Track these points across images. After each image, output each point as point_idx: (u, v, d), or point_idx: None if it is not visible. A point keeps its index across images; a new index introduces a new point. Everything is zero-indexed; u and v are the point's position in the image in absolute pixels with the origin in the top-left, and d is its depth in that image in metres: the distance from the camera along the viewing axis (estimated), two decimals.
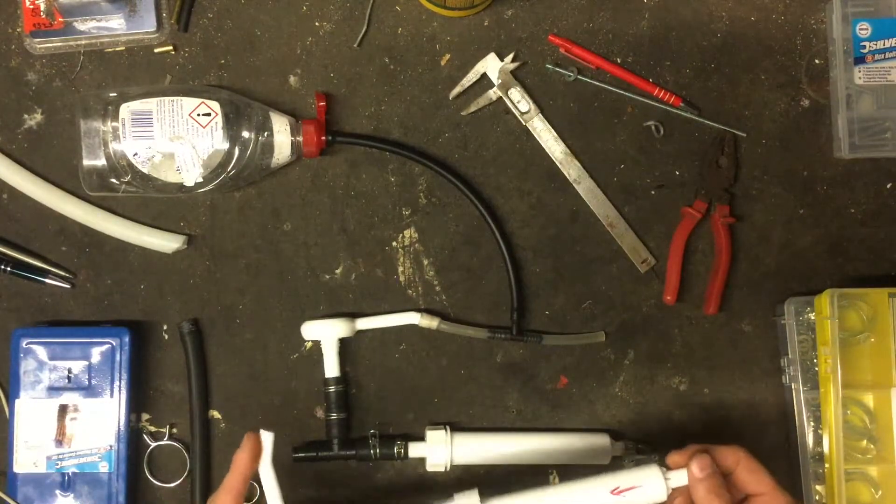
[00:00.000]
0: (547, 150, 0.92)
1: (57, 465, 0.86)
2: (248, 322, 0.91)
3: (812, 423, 0.88)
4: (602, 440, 0.89)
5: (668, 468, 0.73)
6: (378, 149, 0.91)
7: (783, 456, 0.91)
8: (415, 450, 0.88)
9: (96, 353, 0.87)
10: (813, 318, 0.88)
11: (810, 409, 0.88)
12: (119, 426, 0.86)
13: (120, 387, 0.87)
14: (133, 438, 0.89)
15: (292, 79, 0.92)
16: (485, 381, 0.92)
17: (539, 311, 0.92)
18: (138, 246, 0.90)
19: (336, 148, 0.91)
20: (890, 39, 0.91)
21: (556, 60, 0.92)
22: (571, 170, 0.92)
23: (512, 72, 0.91)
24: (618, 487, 0.71)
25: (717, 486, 0.70)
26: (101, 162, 0.85)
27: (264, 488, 0.74)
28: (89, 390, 0.86)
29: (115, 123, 0.85)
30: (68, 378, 0.86)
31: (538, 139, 0.92)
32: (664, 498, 0.71)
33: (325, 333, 0.89)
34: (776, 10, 0.93)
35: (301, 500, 0.91)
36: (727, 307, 0.92)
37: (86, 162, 0.85)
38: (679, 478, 0.72)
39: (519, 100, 0.91)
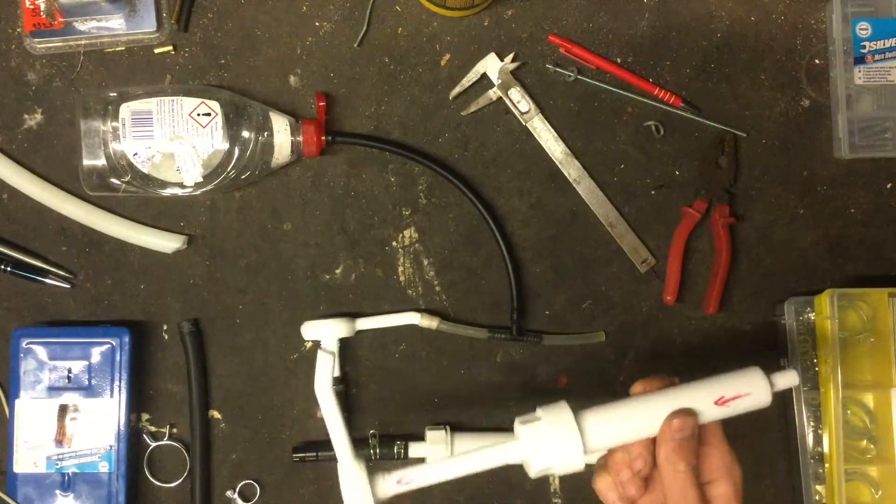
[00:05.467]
0: (547, 150, 0.92)
1: (57, 465, 0.86)
2: (248, 322, 0.91)
3: (812, 423, 0.88)
4: None
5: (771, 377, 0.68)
6: (378, 149, 0.91)
7: (783, 456, 0.91)
8: (415, 450, 0.88)
9: (96, 353, 0.87)
10: (813, 318, 0.88)
11: (810, 409, 0.88)
12: (119, 426, 0.86)
13: (120, 387, 0.87)
14: (133, 438, 0.89)
15: (292, 79, 0.92)
16: (485, 381, 0.92)
17: (539, 311, 0.92)
18: (138, 246, 0.90)
19: (336, 148, 0.91)
20: (890, 39, 0.91)
21: (556, 60, 0.92)
22: (571, 170, 0.92)
23: (512, 72, 0.91)
24: (722, 397, 0.67)
25: (689, 452, 0.64)
26: (101, 162, 0.85)
27: (323, 414, 0.69)
28: (89, 390, 0.86)
29: (115, 123, 0.85)
30: (68, 378, 0.86)
31: (538, 139, 0.92)
32: (768, 404, 0.68)
33: (325, 333, 0.89)
34: (776, 10, 0.93)
35: (301, 500, 0.91)
36: (727, 307, 0.92)
37: (86, 162, 0.85)
38: (784, 381, 0.68)
39: (519, 100, 0.91)
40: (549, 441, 0.65)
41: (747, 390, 0.67)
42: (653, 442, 0.65)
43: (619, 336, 0.92)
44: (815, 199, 0.93)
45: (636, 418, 0.66)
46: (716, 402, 0.67)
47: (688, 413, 0.65)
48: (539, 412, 0.66)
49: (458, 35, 0.92)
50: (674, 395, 0.67)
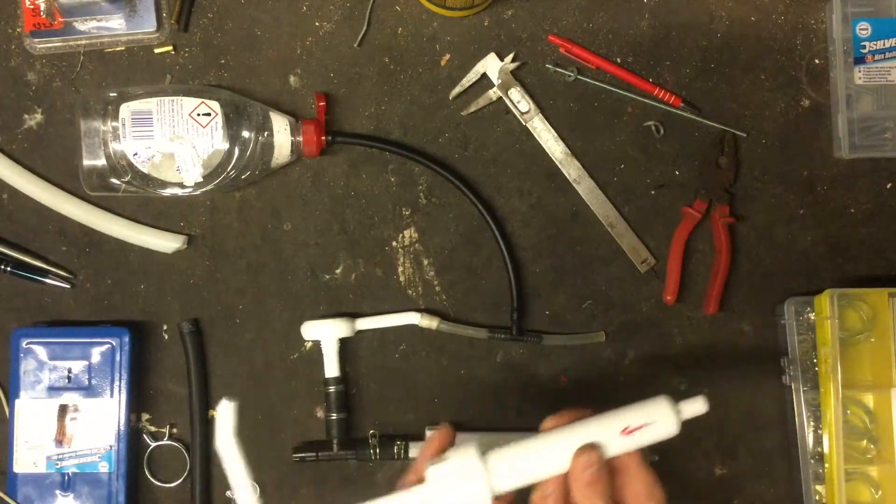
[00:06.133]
0: (547, 150, 0.92)
1: (57, 465, 0.86)
2: (248, 322, 0.91)
3: (812, 423, 0.88)
4: None
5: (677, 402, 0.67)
6: (378, 149, 0.91)
7: (783, 456, 0.91)
8: (415, 450, 0.88)
9: (96, 353, 0.87)
10: (813, 318, 0.88)
11: (810, 409, 0.88)
12: (119, 426, 0.86)
13: (120, 387, 0.87)
14: (133, 438, 0.89)
15: (292, 79, 0.92)
16: (485, 381, 0.92)
17: (539, 311, 0.92)
18: (138, 246, 0.90)
19: (336, 148, 0.91)
20: (890, 39, 0.91)
21: (556, 60, 0.92)
22: (571, 170, 0.92)
23: (512, 72, 0.91)
24: (627, 427, 0.66)
25: (602, 485, 0.63)
26: (101, 162, 0.85)
27: (224, 465, 0.69)
28: (89, 390, 0.86)
29: (115, 123, 0.85)
30: (68, 378, 0.86)
31: (538, 139, 0.92)
32: (675, 432, 0.66)
33: (325, 333, 0.89)
34: (776, 10, 0.93)
35: (301, 499, 0.91)
36: (727, 307, 0.92)
37: (86, 162, 0.85)
38: (691, 408, 0.67)
39: (519, 100, 0.91)
40: (454, 484, 0.65)
41: (652, 419, 0.66)
42: (566, 478, 0.65)
43: (619, 336, 0.92)
44: (815, 199, 0.93)
45: (543, 456, 0.66)
46: (622, 433, 0.66)
47: (592, 447, 0.64)
48: (448, 453, 0.66)
49: (458, 35, 0.92)
50: (579, 428, 0.66)
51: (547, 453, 0.66)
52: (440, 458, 0.66)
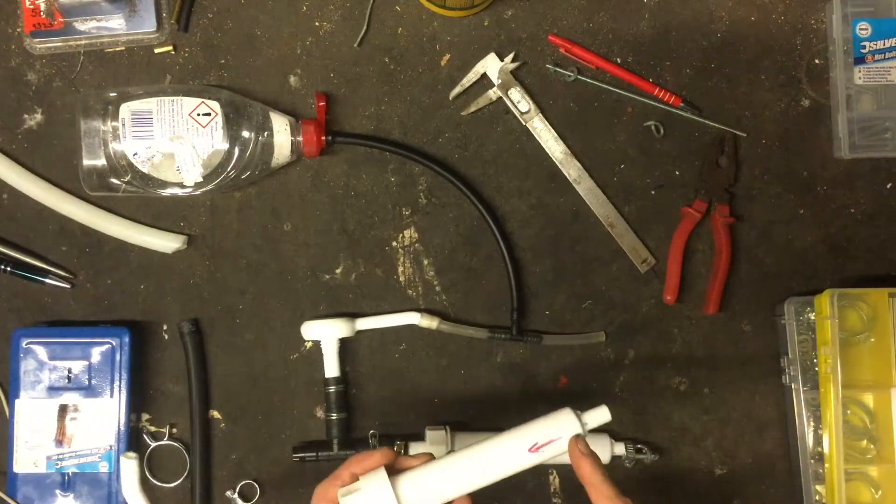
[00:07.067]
0: (547, 150, 0.92)
1: (57, 465, 0.86)
2: (248, 322, 0.91)
3: (812, 423, 0.88)
4: (602, 440, 0.89)
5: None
6: (378, 149, 0.91)
7: (783, 456, 0.91)
8: (415, 450, 0.88)
9: (96, 353, 0.87)
10: (813, 318, 0.88)
11: (810, 409, 0.88)
12: (119, 426, 0.86)
13: (120, 387, 0.87)
14: (133, 438, 0.89)
15: (292, 79, 0.92)
16: (485, 381, 0.92)
17: (539, 311, 0.92)
18: (138, 246, 0.90)
19: (336, 148, 0.91)
20: (890, 39, 0.91)
21: (556, 60, 0.92)
22: (571, 170, 0.92)
23: (512, 72, 0.91)
24: (535, 444, 0.68)
25: None
26: (101, 162, 0.85)
27: None
28: (89, 390, 0.86)
29: (115, 123, 0.85)
30: (68, 378, 0.86)
31: (538, 139, 0.92)
32: None
33: (325, 333, 0.89)
34: (776, 10, 0.93)
35: (301, 499, 0.91)
36: (727, 307, 0.92)
37: (86, 162, 0.85)
38: (595, 418, 0.69)
39: (519, 100, 0.91)
40: None
41: (559, 434, 0.68)
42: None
43: (619, 336, 0.92)
44: (815, 199, 0.93)
45: (454, 478, 0.67)
46: (530, 450, 0.68)
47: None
48: (360, 481, 0.67)
49: (458, 35, 0.92)
50: (488, 447, 0.68)
51: (458, 475, 0.68)
52: (352, 486, 0.67)
